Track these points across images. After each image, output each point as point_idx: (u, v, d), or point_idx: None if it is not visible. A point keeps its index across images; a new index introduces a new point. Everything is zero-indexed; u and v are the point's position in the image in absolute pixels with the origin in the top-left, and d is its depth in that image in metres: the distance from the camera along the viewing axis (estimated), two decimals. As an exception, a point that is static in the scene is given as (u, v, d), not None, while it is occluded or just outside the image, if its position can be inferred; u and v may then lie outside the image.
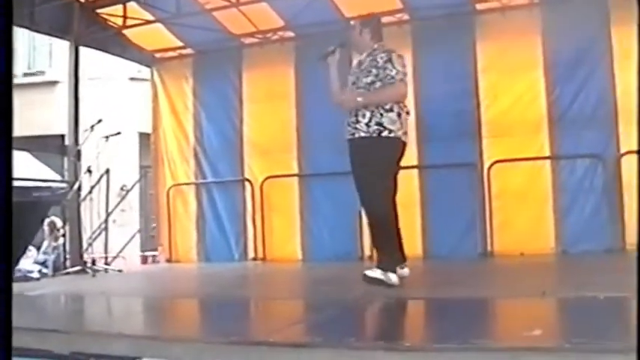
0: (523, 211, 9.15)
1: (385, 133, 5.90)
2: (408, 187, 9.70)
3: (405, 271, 6.12)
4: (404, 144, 6.11)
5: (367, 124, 5.90)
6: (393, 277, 5.79)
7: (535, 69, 9.18)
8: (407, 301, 5.46)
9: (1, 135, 2.82)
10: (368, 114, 5.90)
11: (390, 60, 5.99)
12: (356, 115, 5.96)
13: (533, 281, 6.14)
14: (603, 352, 2.77)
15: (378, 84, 5.98)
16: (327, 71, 10.01)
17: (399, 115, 5.98)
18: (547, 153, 9.12)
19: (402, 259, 6.15)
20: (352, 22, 6.56)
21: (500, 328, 4.22)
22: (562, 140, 9.06)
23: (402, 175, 9.57)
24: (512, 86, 9.39)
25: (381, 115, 5.90)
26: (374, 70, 6.00)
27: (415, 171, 9.72)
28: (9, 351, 2.84)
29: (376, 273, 5.78)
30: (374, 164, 5.90)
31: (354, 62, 6.43)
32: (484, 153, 9.43)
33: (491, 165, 9.25)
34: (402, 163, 9.49)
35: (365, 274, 5.78)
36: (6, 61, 2.93)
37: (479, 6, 9.61)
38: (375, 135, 5.89)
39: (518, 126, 9.21)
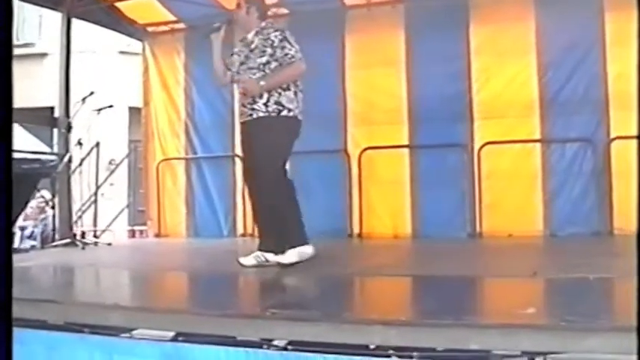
0: (512, 193, 9.20)
1: (285, 113, 5.87)
2: (399, 166, 9.80)
3: (310, 249, 6.01)
4: (300, 123, 6.08)
5: (265, 104, 5.83)
6: (307, 250, 5.87)
7: (527, 52, 9.20)
8: (398, 278, 5.51)
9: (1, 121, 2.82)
10: (265, 94, 5.82)
11: (285, 39, 5.93)
12: (252, 97, 5.87)
13: (522, 262, 6.19)
14: (597, 331, 2.81)
15: (273, 64, 5.88)
16: (318, 50, 10.18)
17: (295, 93, 5.97)
18: (538, 136, 9.15)
19: (303, 239, 6.04)
20: (237, 1, 6.30)
21: (493, 306, 4.27)
22: (553, 123, 9.10)
23: (392, 154, 9.81)
24: (504, 69, 9.40)
25: (279, 94, 5.86)
26: (269, 50, 5.89)
27: (406, 150, 9.77)
28: (9, 324, 2.86)
29: (250, 259, 5.81)
30: (274, 145, 5.84)
31: (239, 42, 6.34)
32: (475, 134, 9.44)
33: (482, 146, 9.27)
34: (392, 142, 9.71)
35: (239, 261, 5.79)
36: (6, 54, 2.92)
37: (472, -14, 9.59)
38: (274, 114, 5.84)
39: (510, 108, 9.24)
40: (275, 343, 3.22)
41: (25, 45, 19.67)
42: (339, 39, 10.19)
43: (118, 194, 16.15)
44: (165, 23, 11.38)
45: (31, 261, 7.63)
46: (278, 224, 5.95)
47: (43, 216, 11.97)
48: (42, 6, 11.31)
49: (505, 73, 9.36)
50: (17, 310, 3.98)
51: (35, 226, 11.97)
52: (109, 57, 17.97)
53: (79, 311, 3.95)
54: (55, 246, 9.27)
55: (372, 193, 9.93)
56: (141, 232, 13.55)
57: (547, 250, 8.13)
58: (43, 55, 18.52)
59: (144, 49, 11.76)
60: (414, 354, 2.96)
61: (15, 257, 6.06)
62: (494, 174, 9.26)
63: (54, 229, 9.90)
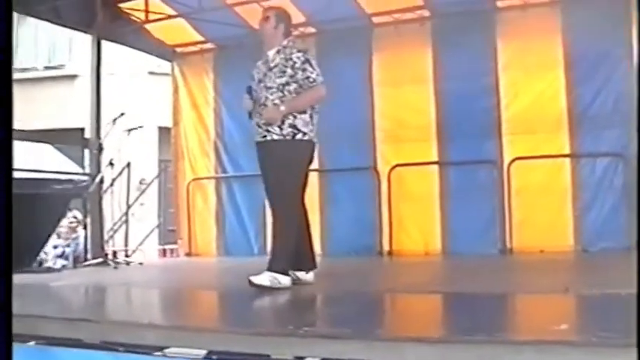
0: (543, 209, 9.15)
1: (299, 136, 5.76)
2: (428, 183, 9.80)
3: (311, 276, 5.97)
4: (314, 146, 5.97)
5: (280, 127, 5.71)
6: (283, 280, 5.64)
7: (556, 67, 9.17)
8: (430, 295, 5.49)
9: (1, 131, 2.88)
10: None
11: (307, 61, 5.82)
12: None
13: (554, 278, 6.15)
14: (630, 347, 2.79)
15: (293, 85, 5.76)
16: (346, 68, 10.21)
17: (311, 116, 5.85)
18: (567, 151, 9.11)
19: (312, 264, 6.03)
20: (266, 14, 6.16)
21: (525, 322, 4.24)
22: (583, 138, 9.06)
23: (422, 170, 9.81)
24: (532, 84, 9.38)
25: (294, 117, 5.74)
26: (289, 70, 5.76)
27: (435, 167, 9.78)
28: (9, 336, 2.89)
29: (264, 279, 5.61)
30: (288, 168, 5.75)
31: (263, 59, 6.11)
32: (504, 150, 9.42)
33: (512, 162, 9.25)
34: (422, 159, 9.71)
35: (250, 280, 5.59)
36: (5, 58, 2.98)
37: (500, 3, 9.57)
38: (289, 138, 5.72)
39: (539, 123, 9.21)
40: (308, 361, 3.24)
41: (56, 67, 19.91)
42: (367, 57, 10.23)
43: (149, 214, 16.24)
44: (194, 44, 11.48)
45: (63, 280, 7.71)
46: (282, 247, 5.83)
47: (75, 236, 12.04)
48: (72, 28, 11.45)
49: (533, 87, 9.34)
50: (53, 329, 4.06)
51: (67, 245, 12.05)
52: (139, 78, 18.09)
53: (114, 330, 3.98)
54: (87, 265, 9.34)
55: (401, 210, 9.93)
56: (172, 251, 13.60)
57: (578, 265, 8.08)
58: (74, 76, 18.70)
59: (173, 70, 11.86)
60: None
61: (48, 277, 6.18)
62: (524, 189, 9.22)
63: (86, 249, 9.98)
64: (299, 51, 5.87)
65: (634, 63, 8.23)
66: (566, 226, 9.00)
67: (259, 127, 5.82)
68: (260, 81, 5.93)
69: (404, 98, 10.02)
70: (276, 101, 5.74)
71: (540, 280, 6.14)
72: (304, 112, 5.79)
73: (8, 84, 3.11)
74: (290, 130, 5.72)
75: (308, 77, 5.77)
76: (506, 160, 9.33)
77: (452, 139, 9.63)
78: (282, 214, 5.82)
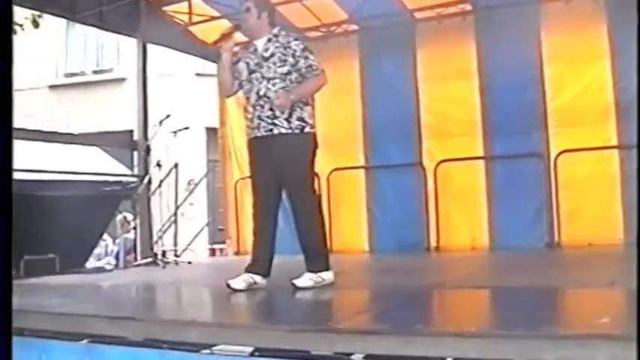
0: (591, 202, 9.06)
1: (307, 129, 5.61)
2: (475, 178, 9.77)
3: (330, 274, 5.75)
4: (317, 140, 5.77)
5: (288, 120, 5.52)
6: (325, 276, 5.61)
7: (602, 58, 9.08)
8: (474, 289, 5.48)
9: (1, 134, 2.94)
10: (287, 108, 5.52)
11: (306, 48, 5.67)
12: (272, 110, 5.54)
13: (601, 271, 6.10)
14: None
15: (294, 74, 5.58)
16: (389, 64, 10.21)
17: (313, 108, 5.76)
18: (615, 142, 9.00)
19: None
20: (246, 5, 5.83)
21: (567, 316, 4.22)
22: (630, 129, 8.94)
23: (468, 165, 9.78)
24: (578, 75, 9.30)
25: (301, 109, 5.59)
26: (290, 59, 5.58)
27: (481, 162, 9.75)
28: (9, 334, 2.95)
29: (307, 280, 5.54)
30: (304, 163, 5.62)
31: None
32: (551, 143, 9.36)
33: (558, 155, 9.18)
34: (468, 154, 9.69)
35: (294, 284, 5.51)
36: (5, 63, 3.04)
37: (543, -5, 9.52)
38: (297, 131, 5.56)
39: (585, 115, 9.12)
40: (351, 357, 3.25)
41: (104, 71, 20.16)
42: (411, 53, 10.24)
43: (198, 214, 16.36)
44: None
45: (114, 280, 7.83)
46: (321, 242, 5.77)
47: (125, 236, 12.21)
48: (118, 33, 11.61)
49: (579, 79, 9.26)
50: (100, 327, 4.14)
51: (117, 246, 12.21)
52: (185, 79, 18.25)
53: (159, 328, 4.04)
54: (137, 265, 9.46)
55: (448, 206, 9.92)
56: (220, 250, 13.72)
57: (627, 258, 7.96)
58: (122, 80, 18.89)
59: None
60: (490, 366, 2.96)
61: (99, 277, 6.28)
62: (571, 182, 9.14)
63: (136, 249, 10.11)
64: (296, 39, 5.73)
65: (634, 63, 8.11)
66: (615, 219, 8.89)
67: (262, 120, 5.59)
68: (252, 71, 5.71)
69: (449, 93, 10.00)
70: (280, 91, 5.54)
71: (587, 274, 6.09)
72: (308, 104, 5.68)
73: (8, 85, 3.16)
74: (298, 123, 5.57)
75: (310, 65, 5.62)
76: (553, 153, 9.26)
77: (497, 133, 9.60)
78: (311, 208, 5.69)
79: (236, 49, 6.02)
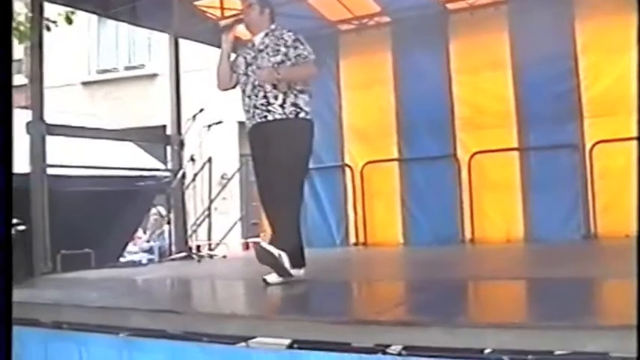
0: (628, 192, 8.92)
1: (302, 115, 5.62)
2: (509, 169, 9.70)
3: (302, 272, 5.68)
4: (314, 128, 5.78)
5: (282, 106, 5.57)
6: (295, 272, 5.52)
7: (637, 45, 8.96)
8: (512, 281, 5.45)
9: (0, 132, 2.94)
10: (281, 95, 5.58)
11: (298, 39, 5.69)
12: (265, 97, 5.61)
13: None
14: None
15: (287, 63, 5.61)
16: (422, 56, 10.17)
17: (310, 96, 5.73)
18: (652, 131, 8.90)
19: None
20: (249, 1, 5.93)
21: (606, 307, 4.18)
22: (668, 118, 8.85)
23: (502, 157, 9.72)
24: (613, 65, 9.16)
25: (295, 95, 5.61)
26: (282, 49, 5.64)
27: (516, 153, 9.67)
28: (9, 325, 2.96)
29: (275, 277, 5.48)
30: (296, 149, 5.60)
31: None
32: (586, 133, 9.25)
33: (594, 145, 9.08)
34: (502, 145, 9.62)
35: (265, 280, 5.48)
36: (5, 63, 3.04)
37: (577, -17, 9.41)
38: (292, 117, 5.59)
39: (621, 105, 8.96)
40: (390, 349, 3.24)
41: (136, 67, 20.28)
42: (443, 44, 10.18)
43: (231, 208, 16.42)
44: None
45: (149, 274, 7.88)
46: (298, 237, 5.68)
47: (159, 231, 12.29)
48: (150, 28, 11.66)
49: (614, 69, 9.12)
50: (138, 320, 4.16)
51: (152, 240, 12.30)
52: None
53: (197, 321, 4.06)
54: (172, 259, 9.50)
55: (483, 198, 9.86)
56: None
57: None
58: (154, 75, 18.99)
59: (251, 65, 11.96)
60: (529, 357, 2.94)
61: (134, 270, 6.33)
62: (607, 173, 9.03)
63: (170, 243, 10.16)
64: (289, 31, 5.77)
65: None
66: (652, 209, 8.78)
67: (256, 108, 5.66)
68: (249, 64, 5.79)
69: (482, 84, 9.93)
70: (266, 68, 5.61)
71: (624, 265, 6.00)
72: (303, 91, 5.68)
73: (8, 83, 3.17)
74: (292, 108, 5.60)
75: (300, 54, 5.64)
76: (588, 143, 9.15)
77: (532, 124, 9.51)
78: (294, 199, 5.63)
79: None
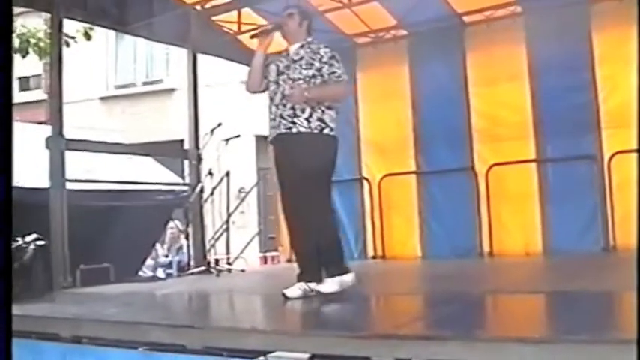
0: (647, 204, 8.89)
1: (327, 131, 5.62)
2: (527, 181, 9.66)
3: (350, 276, 5.67)
4: (337, 144, 5.76)
5: (308, 119, 5.58)
6: (315, 286, 5.54)
7: (656, 57, 8.92)
8: (532, 294, 5.42)
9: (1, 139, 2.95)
10: (308, 109, 5.58)
11: (335, 57, 5.72)
12: (293, 109, 5.61)
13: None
14: None
15: (319, 79, 5.65)
16: (439, 68, 10.17)
17: (337, 113, 5.74)
18: (671, 143, 8.84)
19: (345, 267, 5.73)
20: (290, 11, 5.99)
21: (630, 320, 4.14)
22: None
23: (520, 169, 9.69)
24: (631, 75, 9.14)
25: (322, 111, 5.62)
26: (316, 64, 5.67)
27: (533, 165, 9.63)
28: (9, 336, 2.98)
29: (295, 290, 5.52)
30: (318, 163, 5.60)
31: (283, 53, 6.01)
32: (604, 145, 9.19)
33: (612, 156, 9.01)
34: (519, 157, 9.59)
35: (284, 294, 5.50)
36: (5, 72, 3.06)
37: (594, -6, 9.38)
38: (316, 131, 5.59)
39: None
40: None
41: (154, 82, 20.38)
42: (460, 56, 10.17)
43: (249, 222, 16.46)
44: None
45: (168, 288, 7.88)
46: (321, 250, 5.66)
47: (177, 245, 12.31)
48: (168, 43, 11.72)
49: (632, 79, 9.09)
50: (158, 335, 4.16)
51: (171, 254, 12.32)
52: (234, 88, 18.32)
53: (217, 335, 4.06)
54: (191, 274, 9.51)
55: (501, 210, 9.81)
56: (272, 258, 13.77)
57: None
58: (172, 90, 19.10)
59: (268, 79, 12.00)
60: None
61: (153, 285, 6.34)
62: (626, 184, 8.94)
63: (189, 258, 10.17)
64: (326, 47, 5.80)
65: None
66: (673, 221, 8.73)
67: (283, 118, 5.65)
68: (281, 73, 5.80)
69: (499, 96, 9.91)
70: (297, 86, 5.61)
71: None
72: (331, 108, 5.70)
73: (8, 90, 3.19)
74: (318, 123, 5.60)
75: (334, 72, 5.67)
76: (606, 155, 9.08)
77: (549, 136, 9.47)
78: (317, 212, 5.64)
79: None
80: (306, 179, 5.53)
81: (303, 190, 5.56)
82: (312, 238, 5.65)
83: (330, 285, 5.55)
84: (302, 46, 5.84)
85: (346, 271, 5.67)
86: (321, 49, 5.76)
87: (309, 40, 5.91)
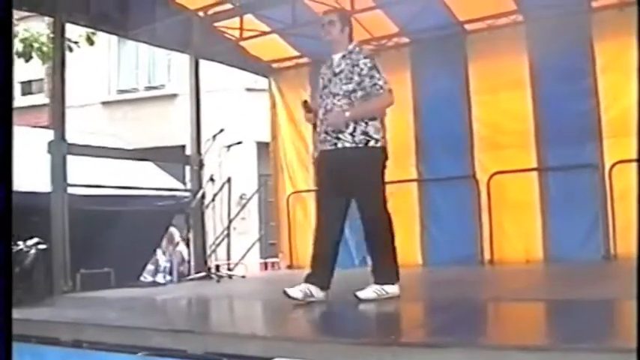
0: (649, 213, 8.88)
1: (372, 143, 5.60)
2: (528, 189, 9.65)
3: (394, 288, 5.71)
4: (387, 153, 5.79)
5: (352, 134, 5.55)
6: (389, 289, 5.60)
7: (657, 66, 8.93)
8: (533, 302, 5.42)
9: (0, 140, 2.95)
10: (352, 124, 5.55)
11: (375, 67, 5.64)
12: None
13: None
14: None
15: (360, 93, 5.60)
16: (441, 76, 10.16)
17: (382, 122, 5.72)
18: (673, 152, 8.82)
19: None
20: (330, 18, 5.94)
21: (631, 329, 4.14)
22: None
23: (521, 177, 9.68)
24: (632, 85, 9.13)
25: (366, 124, 5.59)
26: (356, 78, 5.60)
27: (535, 173, 9.63)
28: (9, 341, 2.98)
29: (370, 292, 5.56)
30: (370, 175, 5.63)
31: (327, 63, 5.95)
32: (605, 154, 9.19)
33: (613, 165, 9.01)
34: (521, 165, 9.59)
35: (357, 296, 5.51)
36: (5, 72, 3.06)
37: (595, 3, 9.36)
38: (361, 145, 5.57)
39: (641, 125, 8.96)
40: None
41: (156, 87, 20.39)
42: (462, 64, 10.17)
43: (250, 228, 16.46)
44: (290, 59, 11.61)
45: (169, 294, 7.88)
46: (388, 255, 5.79)
47: (178, 250, 12.31)
48: (171, 49, 11.73)
49: (634, 88, 9.08)
50: (159, 340, 4.15)
51: (172, 260, 12.32)
52: (237, 94, 18.35)
53: (217, 341, 4.05)
54: (191, 279, 9.50)
55: (502, 218, 9.81)
56: (273, 264, 13.76)
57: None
58: (174, 95, 19.12)
59: (270, 85, 12.04)
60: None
61: (153, 290, 6.34)
62: (627, 193, 8.95)
63: (189, 263, 10.17)
64: (366, 57, 5.72)
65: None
66: (674, 230, 8.72)
67: (327, 134, 5.66)
68: (325, 87, 5.79)
69: (501, 105, 9.91)
70: (335, 109, 5.61)
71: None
72: (374, 118, 5.66)
73: (8, 92, 3.19)
74: (363, 137, 5.58)
75: (375, 84, 5.61)
76: (608, 163, 9.08)
77: (551, 145, 9.47)
78: (378, 220, 5.71)
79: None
80: (361, 191, 5.62)
81: (370, 199, 5.65)
82: (335, 245, 5.80)
83: (367, 292, 5.58)
84: (343, 56, 5.76)
85: (390, 282, 5.69)
86: (360, 60, 5.68)
87: (350, 48, 5.82)
